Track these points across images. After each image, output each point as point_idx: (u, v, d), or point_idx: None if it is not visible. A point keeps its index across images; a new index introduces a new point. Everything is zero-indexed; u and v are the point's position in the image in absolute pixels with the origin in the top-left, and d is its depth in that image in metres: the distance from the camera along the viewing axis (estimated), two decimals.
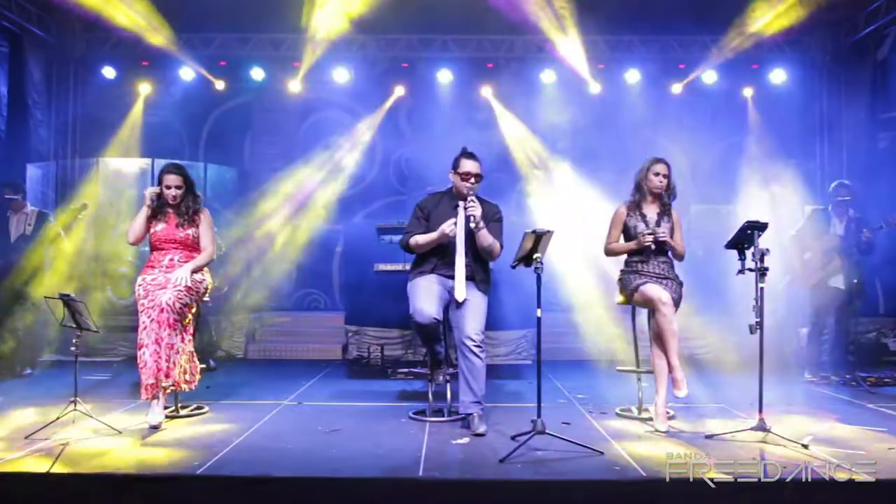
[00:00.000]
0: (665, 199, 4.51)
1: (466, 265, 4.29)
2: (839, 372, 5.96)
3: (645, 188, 4.50)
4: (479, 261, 4.37)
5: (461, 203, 4.34)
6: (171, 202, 4.50)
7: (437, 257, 4.35)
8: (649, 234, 4.37)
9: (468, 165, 4.33)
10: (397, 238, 4.76)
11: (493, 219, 4.41)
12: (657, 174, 4.47)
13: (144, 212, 4.46)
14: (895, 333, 7.50)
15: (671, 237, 4.44)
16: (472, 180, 4.31)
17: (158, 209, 4.51)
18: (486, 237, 4.27)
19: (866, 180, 7.38)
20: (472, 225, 4.22)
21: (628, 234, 4.53)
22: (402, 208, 4.72)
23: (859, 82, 8.29)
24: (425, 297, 4.22)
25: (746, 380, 4.90)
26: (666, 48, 8.69)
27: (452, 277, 4.29)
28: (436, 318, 4.18)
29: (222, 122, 9.05)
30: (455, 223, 4.24)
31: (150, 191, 4.47)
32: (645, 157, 4.60)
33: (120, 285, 7.54)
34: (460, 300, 4.23)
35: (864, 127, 8.21)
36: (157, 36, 8.09)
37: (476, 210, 4.22)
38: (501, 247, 4.38)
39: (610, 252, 4.58)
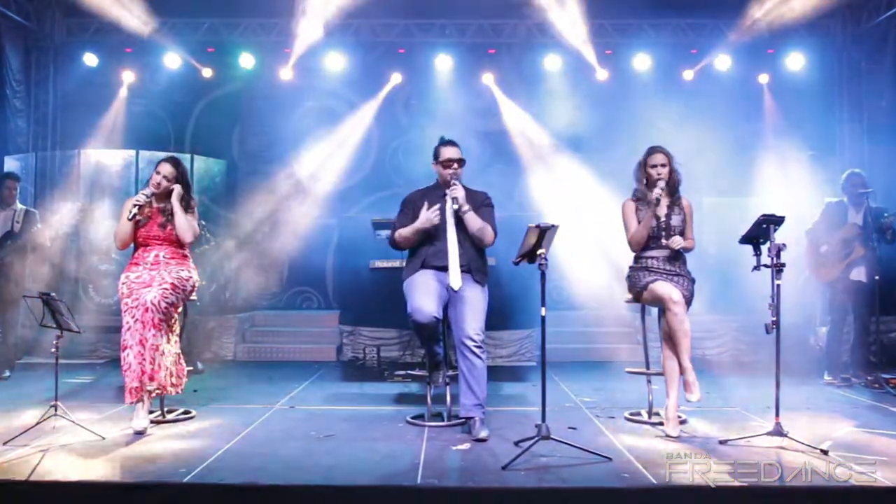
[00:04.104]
0: (673, 189, 4.48)
1: (460, 255, 4.31)
2: (861, 373, 5.95)
3: (646, 183, 4.47)
4: (474, 249, 4.41)
5: (448, 191, 4.42)
6: (154, 189, 4.50)
7: (427, 248, 4.39)
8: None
9: (448, 152, 4.47)
10: None
11: (482, 205, 4.47)
12: (654, 166, 4.43)
13: (129, 223, 4.44)
14: None
15: (683, 228, 4.44)
16: (455, 165, 4.43)
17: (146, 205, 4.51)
18: (474, 220, 4.34)
19: (888, 170, 7.36)
20: (456, 207, 4.30)
21: None
22: (400, 202, 4.72)
23: (881, 67, 8.25)
24: (424, 294, 4.23)
25: (762, 382, 4.90)
26: (677, 32, 8.66)
27: (444, 268, 4.31)
28: (436, 317, 4.18)
29: (210, 111, 9.03)
30: (438, 208, 4.33)
31: (133, 202, 4.45)
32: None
33: (103, 283, 7.53)
34: (456, 288, 4.25)
35: (885, 115, 8.18)
36: (141, 21, 8.07)
37: (458, 192, 4.32)
38: (495, 232, 4.43)
39: (634, 241, 4.46)
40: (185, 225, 4.49)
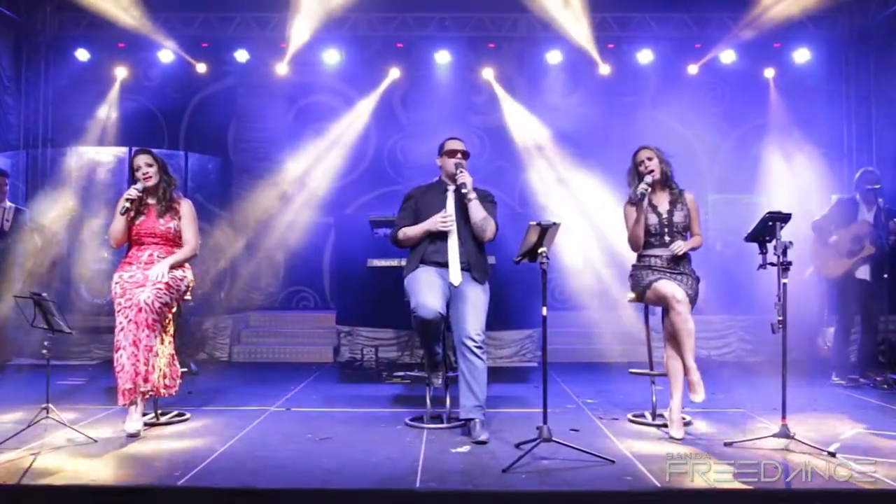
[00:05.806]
0: (670, 184, 4.48)
1: (460, 253, 4.32)
2: (869, 374, 5.95)
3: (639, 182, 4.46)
4: (474, 247, 4.40)
5: (450, 187, 4.45)
6: (149, 184, 4.48)
7: (427, 245, 4.41)
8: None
9: (454, 143, 4.54)
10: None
11: (486, 200, 4.48)
12: (641, 162, 4.45)
13: (122, 218, 4.43)
14: None
15: (687, 224, 4.43)
16: (459, 155, 4.47)
17: (138, 203, 4.50)
18: (478, 209, 4.35)
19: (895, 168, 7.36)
20: (465, 191, 4.32)
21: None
22: (397, 199, 4.73)
23: (890, 62, 8.25)
24: (427, 290, 4.23)
25: (768, 383, 4.90)
26: (681, 26, 8.66)
27: (444, 264, 4.32)
28: (440, 313, 4.18)
29: (204, 107, 9.02)
30: (448, 216, 4.34)
31: (125, 197, 4.44)
32: (658, 143, 4.57)
33: (95, 283, 7.53)
34: (456, 283, 4.26)
35: (893, 109, 8.18)
36: (134, 16, 8.06)
37: (466, 178, 4.35)
38: (497, 227, 4.44)
39: (631, 241, 4.48)
40: (186, 257, 4.54)
